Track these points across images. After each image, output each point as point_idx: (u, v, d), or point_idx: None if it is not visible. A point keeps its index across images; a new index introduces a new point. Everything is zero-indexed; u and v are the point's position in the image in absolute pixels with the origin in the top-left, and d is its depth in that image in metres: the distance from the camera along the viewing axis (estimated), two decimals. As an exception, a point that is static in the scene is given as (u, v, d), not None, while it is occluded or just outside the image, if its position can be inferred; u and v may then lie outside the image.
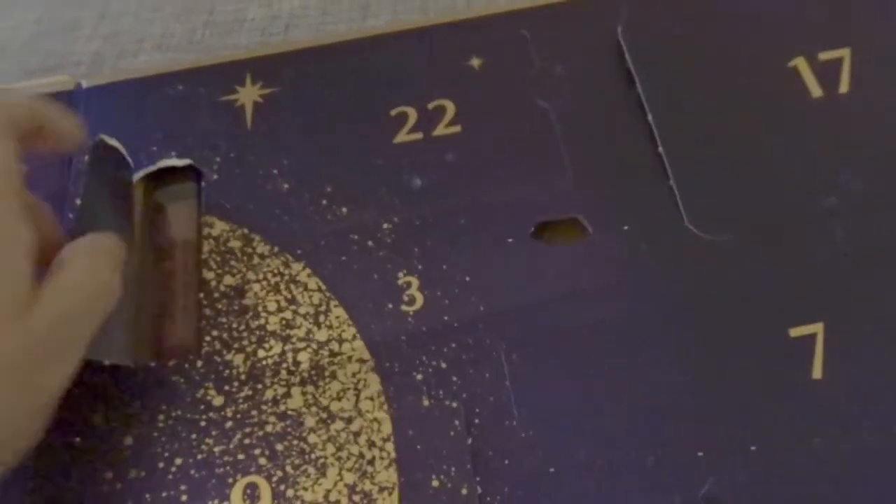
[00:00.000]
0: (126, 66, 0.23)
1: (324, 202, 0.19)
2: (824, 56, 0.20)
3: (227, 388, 0.17)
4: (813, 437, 0.15)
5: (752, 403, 0.16)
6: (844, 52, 0.20)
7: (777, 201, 0.18)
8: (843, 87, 0.20)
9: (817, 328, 0.17)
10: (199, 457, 0.16)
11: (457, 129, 0.20)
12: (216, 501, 0.15)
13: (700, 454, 0.15)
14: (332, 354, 0.17)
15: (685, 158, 0.19)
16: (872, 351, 0.16)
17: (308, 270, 0.18)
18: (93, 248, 0.15)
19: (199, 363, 0.17)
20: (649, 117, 0.19)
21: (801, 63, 0.20)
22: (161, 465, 0.16)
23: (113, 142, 0.19)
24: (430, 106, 0.20)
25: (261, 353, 0.17)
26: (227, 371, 0.17)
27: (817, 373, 0.16)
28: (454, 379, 0.16)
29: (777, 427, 0.16)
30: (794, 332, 0.17)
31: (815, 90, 0.20)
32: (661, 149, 0.19)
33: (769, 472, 0.15)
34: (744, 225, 0.18)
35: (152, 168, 0.20)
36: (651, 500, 0.15)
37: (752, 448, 0.15)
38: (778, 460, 0.15)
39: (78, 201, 0.19)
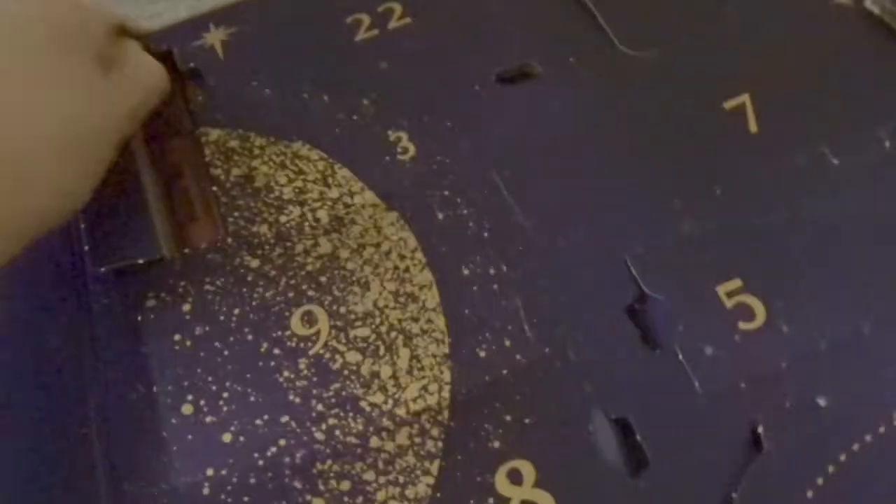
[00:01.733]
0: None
1: (305, 95, 0.21)
2: None
3: (259, 252, 0.18)
4: (762, 170, 0.18)
5: (709, 159, 0.19)
6: None
7: (692, 13, 0.21)
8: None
9: (745, 97, 0.20)
10: (254, 303, 0.18)
11: (408, 21, 0.23)
12: (279, 332, 0.17)
13: (676, 201, 0.18)
14: (347, 206, 0.19)
15: (623, 13, 0.22)
16: (798, 105, 0.19)
17: (308, 145, 0.20)
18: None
19: (229, 240, 0.19)
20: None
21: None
22: (222, 318, 0.17)
23: None
24: (380, 9, 0.23)
25: (282, 219, 0.19)
26: (256, 239, 0.19)
27: (753, 128, 0.19)
28: (458, 200, 0.19)
29: (732, 171, 0.18)
30: (727, 104, 0.20)
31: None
32: (597, 15, 0.22)
33: (735, 203, 0.18)
34: (666, 41, 0.21)
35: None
36: (646, 243, 0.17)
37: (717, 192, 0.18)
38: (738, 194, 0.18)
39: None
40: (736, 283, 0.17)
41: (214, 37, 0.23)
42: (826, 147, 0.18)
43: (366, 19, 0.23)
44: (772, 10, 0.21)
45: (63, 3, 0.17)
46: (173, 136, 0.21)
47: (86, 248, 0.19)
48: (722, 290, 0.17)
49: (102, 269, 0.18)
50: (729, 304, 0.16)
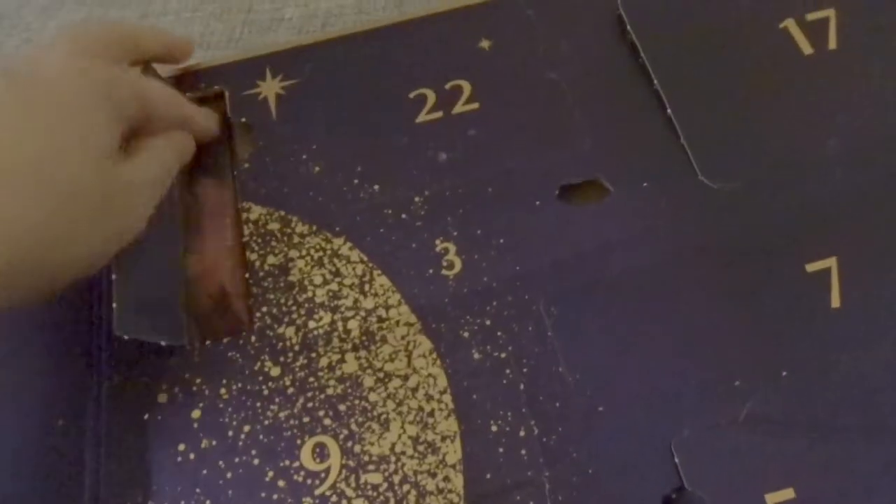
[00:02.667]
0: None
1: (355, 181, 0.20)
2: (811, 17, 0.22)
3: (282, 359, 0.17)
4: (839, 359, 0.17)
5: (779, 333, 0.17)
6: (830, 13, 0.22)
7: (780, 149, 0.19)
8: (832, 44, 0.21)
9: (831, 262, 0.18)
10: (266, 422, 0.17)
11: (475, 106, 0.21)
12: (287, 462, 0.16)
13: (736, 383, 0.16)
14: (381, 320, 0.18)
15: (693, 118, 0.20)
16: (884, 277, 0.17)
17: (349, 244, 0.19)
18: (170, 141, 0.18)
19: (253, 338, 0.18)
20: (655, 83, 0.20)
21: (790, 24, 0.21)
22: (230, 433, 0.16)
23: None
24: (448, 86, 0.21)
25: (311, 325, 0.18)
26: (280, 343, 0.18)
27: (836, 301, 0.17)
28: (499, 334, 0.17)
29: (804, 352, 0.17)
30: (810, 267, 0.18)
31: (807, 48, 0.21)
32: (669, 111, 0.20)
33: (800, 393, 0.16)
34: (751, 174, 0.19)
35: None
36: (694, 425, 0.16)
37: (783, 374, 0.16)
38: (807, 382, 0.16)
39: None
40: (789, 493, 0.15)
41: (269, 87, 0.22)
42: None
43: (431, 96, 0.21)
44: (867, 143, 0.19)
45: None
46: (212, 183, 0.20)
47: (114, 305, 0.18)
48: (771, 499, 0.15)
49: (126, 336, 0.17)
50: (777, 519, 0.15)
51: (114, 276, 0.17)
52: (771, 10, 0.22)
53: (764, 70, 0.21)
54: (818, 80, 0.21)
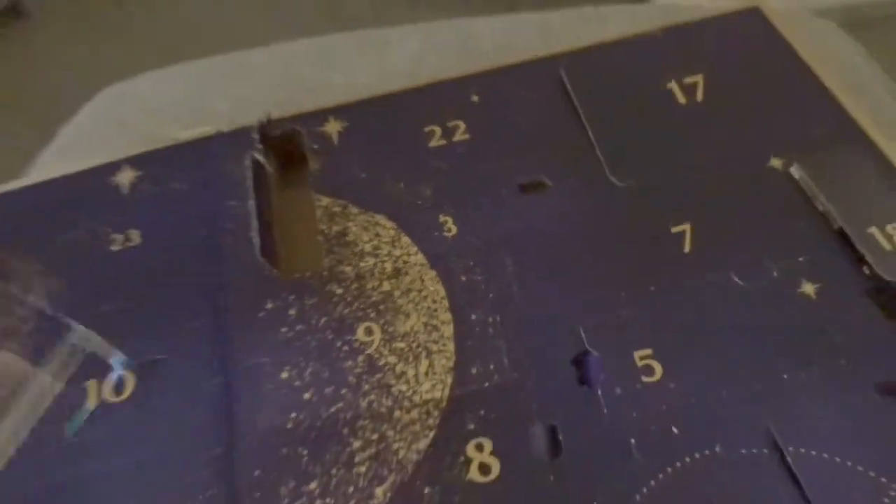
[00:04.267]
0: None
1: (388, 183, 0.31)
2: (687, 80, 0.33)
3: (343, 284, 0.28)
4: (684, 280, 0.27)
5: (652, 265, 0.27)
6: (699, 77, 0.33)
7: (662, 160, 0.30)
8: (699, 98, 0.32)
9: (686, 226, 0.28)
10: (335, 315, 0.27)
11: (467, 136, 0.32)
12: (349, 336, 0.26)
13: (623, 293, 0.27)
14: (404, 262, 0.28)
15: (608, 140, 0.31)
16: (721, 238, 0.28)
17: (384, 217, 0.30)
18: None
19: (324, 273, 0.28)
20: (583, 120, 0.32)
21: (673, 84, 0.33)
22: (313, 322, 0.27)
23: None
24: (449, 125, 0.33)
25: (361, 264, 0.29)
26: (342, 275, 0.28)
27: (687, 248, 0.28)
28: (477, 270, 0.28)
29: (665, 277, 0.27)
30: (674, 229, 0.28)
31: (682, 99, 0.32)
32: (591, 135, 0.31)
33: (664, 302, 0.27)
34: (642, 176, 0.30)
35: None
36: (595, 320, 0.26)
37: (651, 288, 0.27)
38: (666, 295, 0.27)
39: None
40: (647, 351, 0.25)
41: (332, 127, 0.33)
42: (733, 271, 0.27)
43: (438, 131, 0.33)
44: (720, 160, 0.30)
45: None
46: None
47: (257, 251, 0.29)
48: (637, 354, 0.25)
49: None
50: (640, 363, 0.25)
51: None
52: (660, 77, 0.33)
53: (656, 112, 0.32)
54: (690, 119, 0.32)
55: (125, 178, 0.33)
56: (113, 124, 0.44)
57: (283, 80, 0.43)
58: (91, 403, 0.26)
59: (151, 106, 0.44)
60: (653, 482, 0.22)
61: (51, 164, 0.41)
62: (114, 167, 0.33)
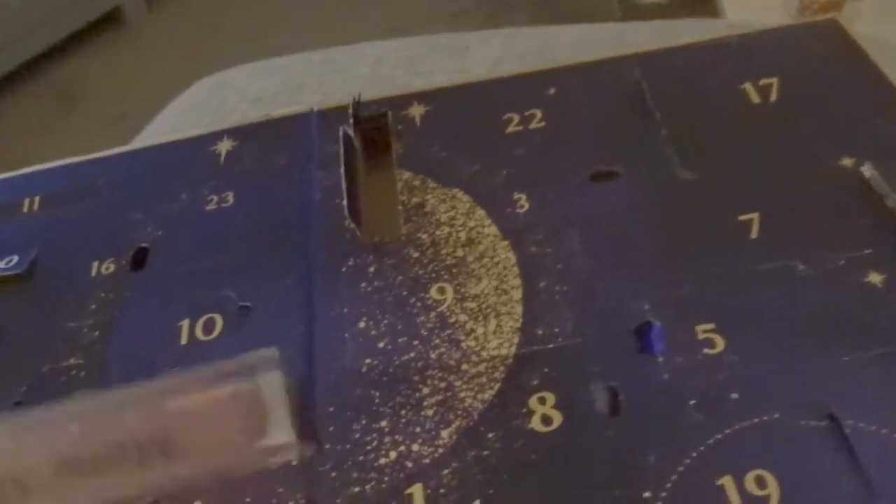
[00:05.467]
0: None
1: (466, 162, 0.33)
2: (762, 82, 0.34)
3: (420, 249, 0.30)
4: (749, 266, 0.28)
5: (718, 250, 0.28)
6: (774, 80, 0.34)
7: (733, 154, 0.31)
8: (773, 98, 0.33)
9: (755, 215, 0.29)
10: (411, 275, 0.29)
11: (543, 124, 0.34)
12: (422, 294, 0.28)
13: (686, 274, 0.28)
14: (478, 233, 0.30)
15: (680, 132, 0.32)
16: (788, 228, 0.29)
17: (460, 191, 0.32)
18: None
19: (403, 238, 0.30)
20: (662, 132, 0.33)
21: (748, 86, 0.34)
22: (390, 279, 0.29)
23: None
24: (526, 113, 0.35)
25: (437, 232, 0.30)
26: (419, 241, 0.30)
27: (754, 235, 0.29)
28: (547, 244, 0.29)
29: (731, 262, 0.28)
30: (741, 217, 0.29)
31: (756, 100, 0.33)
32: (669, 145, 0.32)
33: (723, 285, 0.27)
34: (712, 171, 0.31)
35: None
36: (653, 297, 0.27)
37: (714, 271, 0.28)
38: (729, 279, 0.27)
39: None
40: (710, 325, 0.26)
41: (416, 111, 0.36)
42: (799, 259, 0.28)
43: (515, 118, 0.34)
44: (791, 158, 0.31)
45: None
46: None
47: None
48: (699, 328, 0.26)
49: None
50: (701, 336, 0.26)
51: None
52: (734, 78, 0.34)
53: (729, 110, 0.33)
54: (763, 119, 0.33)
55: (224, 147, 0.36)
56: (209, 109, 0.48)
57: (370, 78, 0.45)
58: (183, 341, 0.29)
59: (246, 95, 0.47)
60: (710, 441, 0.23)
61: (153, 137, 0.44)
62: (215, 137, 0.36)
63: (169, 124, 0.47)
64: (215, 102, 0.47)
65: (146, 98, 1.20)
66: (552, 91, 0.35)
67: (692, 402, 0.24)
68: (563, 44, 0.47)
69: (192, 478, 0.19)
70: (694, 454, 0.23)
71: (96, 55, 1.33)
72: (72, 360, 0.29)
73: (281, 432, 0.22)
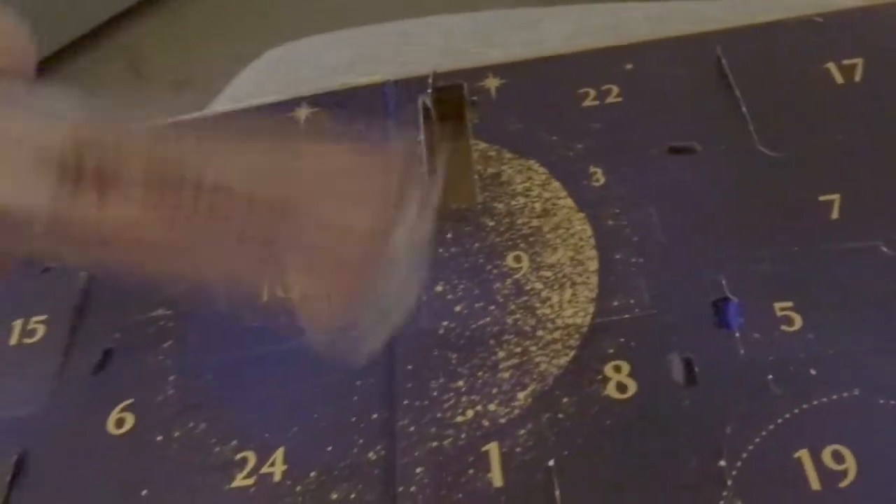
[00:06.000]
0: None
1: (542, 134, 0.33)
2: (846, 62, 0.33)
3: (495, 218, 0.30)
4: (828, 246, 0.27)
5: (795, 228, 0.28)
6: (858, 61, 0.33)
7: (818, 134, 0.31)
8: (857, 79, 0.33)
9: (837, 196, 0.29)
10: (487, 242, 0.29)
11: (620, 99, 0.34)
12: (499, 262, 0.29)
13: (765, 250, 0.28)
14: (553, 204, 0.30)
15: (763, 111, 0.32)
16: (872, 210, 0.28)
17: (536, 162, 0.32)
18: None
19: (479, 206, 0.31)
20: (743, 108, 0.32)
21: (831, 66, 0.33)
22: (467, 246, 0.29)
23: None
24: (603, 88, 0.35)
25: (513, 203, 0.31)
26: (494, 210, 0.31)
27: (835, 216, 0.28)
28: (623, 217, 0.30)
29: (809, 239, 0.28)
30: (822, 197, 0.29)
31: (840, 80, 0.33)
32: (744, 109, 0.32)
33: (803, 262, 0.27)
34: (795, 149, 0.31)
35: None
36: (733, 266, 0.27)
37: (795, 249, 0.28)
38: (809, 255, 0.27)
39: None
40: (788, 303, 0.26)
41: (491, 83, 0.36)
42: (882, 241, 0.27)
43: (592, 93, 0.35)
44: (875, 138, 0.30)
45: None
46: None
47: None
48: (777, 305, 0.26)
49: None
50: (779, 313, 0.26)
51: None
52: (817, 57, 0.34)
53: (812, 90, 0.33)
54: (846, 99, 0.32)
55: (302, 113, 0.36)
56: (280, 78, 0.49)
57: (443, 50, 0.46)
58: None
59: (320, 65, 0.48)
60: (788, 415, 0.23)
61: (228, 103, 0.46)
62: (293, 103, 0.37)
63: (243, 91, 0.48)
64: (288, 71, 0.48)
65: (211, 65, 1.22)
66: (629, 66, 0.35)
67: (770, 377, 0.24)
68: (638, 19, 0.46)
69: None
70: (771, 427, 0.23)
71: (164, 19, 1.36)
72: (160, 311, 0.30)
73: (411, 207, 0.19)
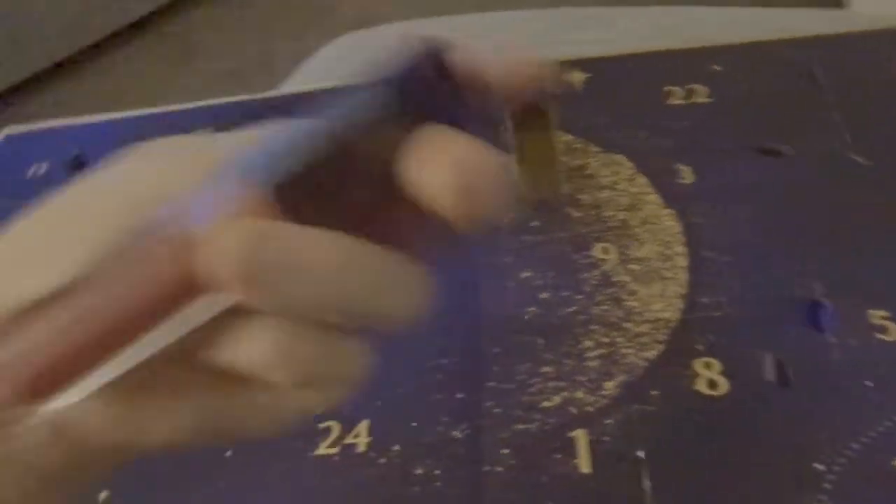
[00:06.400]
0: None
1: (629, 130, 0.33)
2: (943, 76, 0.33)
3: (581, 208, 0.30)
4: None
5: (888, 241, 0.28)
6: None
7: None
8: (955, 93, 0.32)
9: (931, 209, 0.28)
10: (573, 232, 0.29)
11: (709, 100, 0.34)
12: (586, 252, 0.29)
13: (859, 258, 0.27)
14: (640, 199, 0.30)
15: (861, 133, 0.31)
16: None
17: (623, 157, 0.32)
18: None
19: (564, 196, 0.31)
20: (834, 116, 0.32)
21: (927, 78, 0.33)
22: (553, 235, 0.29)
23: None
24: (688, 87, 0.34)
25: (599, 195, 0.31)
26: (580, 201, 0.31)
27: (932, 228, 0.28)
28: (712, 211, 0.29)
29: (892, 248, 0.27)
30: (918, 209, 0.29)
31: (936, 93, 0.32)
32: (843, 130, 0.32)
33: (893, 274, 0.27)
34: (883, 158, 0.30)
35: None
36: (830, 269, 0.27)
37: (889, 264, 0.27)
38: (906, 265, 0.27)
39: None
40: (884, 312, 0.26)
41: (577, 77, 0.36)
42: (981, 255, 0.27)
43: (677, 91, 0.34)
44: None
45: None
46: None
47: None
48: (872, 313, 0.26)
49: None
50: (873, 321, 0.25)
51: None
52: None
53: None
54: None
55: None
56: (354, 62, 0.49)
57: (519, 44, 0.46)
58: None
59: (390, 51, 0.48)
60: (888, 423, 0.23)
61: (299, 86, 0.46)
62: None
63: (316, 74, 0.48)
64: (363, 57, 0.48)
65: (259, 56, 1.24)
66: (717, 68, 0.35)
67: (869, 384, 0.24)
68: (709, 23, 0.46)
69: None
70: (872, 433, 0.23)
71: (219, 8, 1.38)
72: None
73: None
